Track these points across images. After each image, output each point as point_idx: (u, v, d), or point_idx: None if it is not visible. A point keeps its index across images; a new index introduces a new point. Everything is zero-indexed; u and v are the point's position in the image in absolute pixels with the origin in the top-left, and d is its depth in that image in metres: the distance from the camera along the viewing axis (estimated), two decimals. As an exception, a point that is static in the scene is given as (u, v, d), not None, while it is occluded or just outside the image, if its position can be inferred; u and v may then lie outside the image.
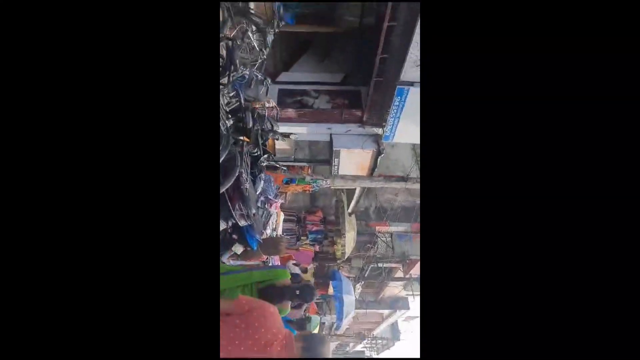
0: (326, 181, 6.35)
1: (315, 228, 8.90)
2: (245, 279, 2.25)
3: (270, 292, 2.19)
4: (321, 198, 8.96)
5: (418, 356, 1.02)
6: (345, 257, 8.63)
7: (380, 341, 17.04)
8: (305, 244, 8.45)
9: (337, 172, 6.41)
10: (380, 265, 9.75)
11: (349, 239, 8.21)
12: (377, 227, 9.12)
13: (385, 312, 13.88)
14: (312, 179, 6.39)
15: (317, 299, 8.38)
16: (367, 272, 10.07)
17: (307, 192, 6.85)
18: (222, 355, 1.41)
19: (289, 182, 6.38)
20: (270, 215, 3.67)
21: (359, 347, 18.53)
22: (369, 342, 16.92)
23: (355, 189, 7.25)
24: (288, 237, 7.62)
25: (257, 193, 3.14)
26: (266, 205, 3.46)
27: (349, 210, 8.15)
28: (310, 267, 7.74)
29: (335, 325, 9.00)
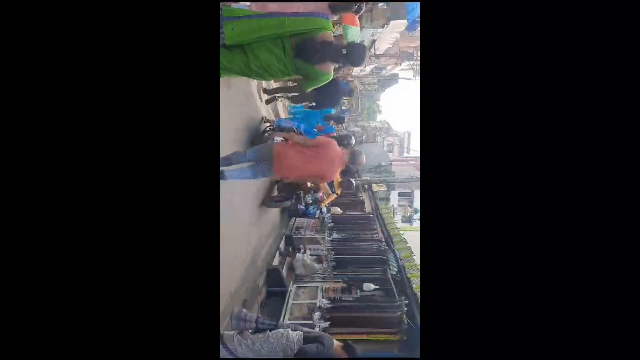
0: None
1: None
2: (275, 27, 1.83)
3: (309, 49, 1.89)
4: None
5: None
6: None
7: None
8: None
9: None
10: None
11: None
12: None
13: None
14: None
15: None
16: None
17: None
18: (305, 169, 2.83)
19: None
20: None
21: (397, 70, 17.44)
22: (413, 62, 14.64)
23: None
24: None
25: None
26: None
27: None
28: None
29: None
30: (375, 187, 10.31)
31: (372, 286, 4.43)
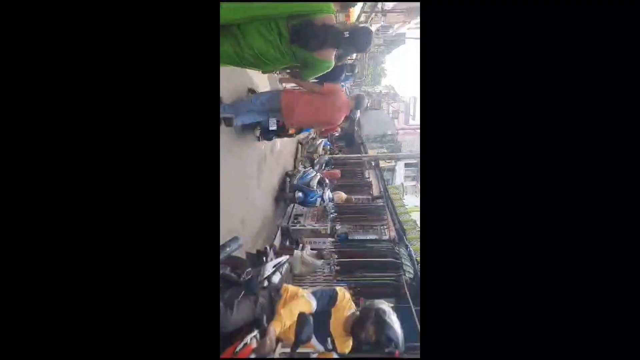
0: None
1: None
2: (270, 7, 1.58)
3: (306, 33, 1.64)
4: None
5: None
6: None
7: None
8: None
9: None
10: None
11: None
12: None
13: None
14: None
15: None
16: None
17: None
18: (313, 116, 2.95)
19: None
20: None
21: (405, 28, 15.84)
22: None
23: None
24: None
25: None
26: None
27: None
28: None
29: None
30: (382, 163, 9.48)
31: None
